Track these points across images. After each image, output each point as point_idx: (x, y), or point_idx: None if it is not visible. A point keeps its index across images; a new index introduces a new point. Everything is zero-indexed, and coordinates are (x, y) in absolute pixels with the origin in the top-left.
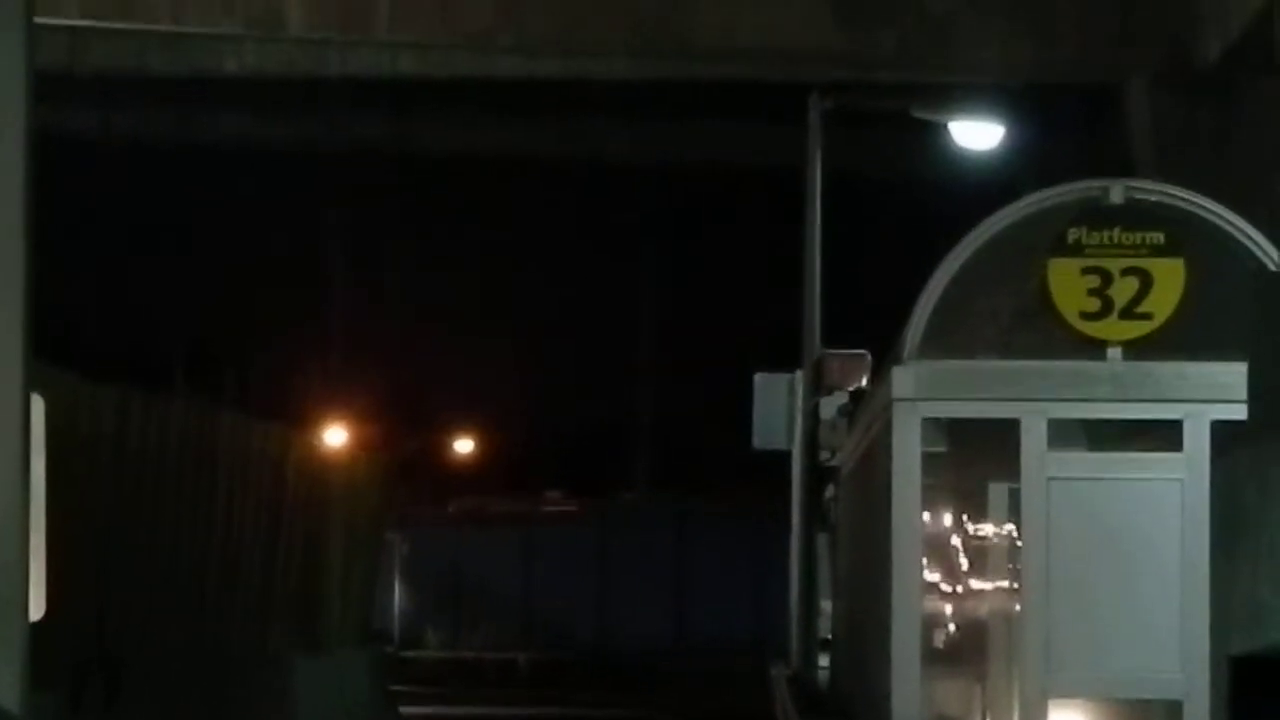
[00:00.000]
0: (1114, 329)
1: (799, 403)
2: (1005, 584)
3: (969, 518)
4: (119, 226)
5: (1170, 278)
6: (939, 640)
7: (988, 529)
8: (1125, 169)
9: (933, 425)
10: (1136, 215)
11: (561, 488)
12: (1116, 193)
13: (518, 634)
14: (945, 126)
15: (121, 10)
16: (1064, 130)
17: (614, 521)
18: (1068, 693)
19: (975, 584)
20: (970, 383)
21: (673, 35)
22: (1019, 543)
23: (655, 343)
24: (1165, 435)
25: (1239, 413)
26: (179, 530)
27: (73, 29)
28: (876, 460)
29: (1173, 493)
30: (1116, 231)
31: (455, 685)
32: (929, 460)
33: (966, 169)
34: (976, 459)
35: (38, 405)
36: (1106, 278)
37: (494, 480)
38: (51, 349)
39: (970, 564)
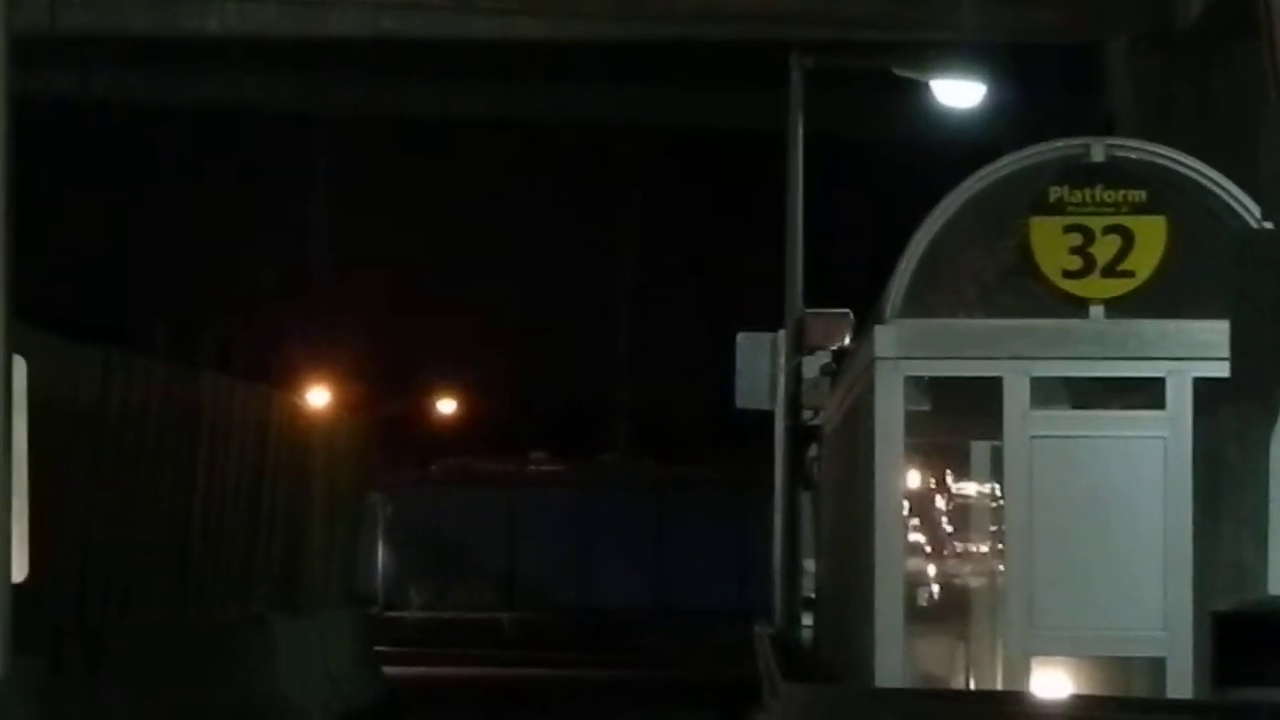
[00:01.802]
0: (1096, 287)
1: (781, 362)
2: (988, 543)
3: (952, 476)
4: (98, 189)
5: (1152, 235)
6: (922, 599)
7: (971, 488)
8: (1106, 128)
9: (915, 384)
10: (1118, 173)
11: (545, 449)
12: (1098, 151)
13: (501, 595)
14: (926, 85)
15: None
16: (1046, 90)
17: (598, 483)
18: (1051, 651)
19: (958, 543)
20: (952, 341)
21: None
22: (1002, 501)
23: (638, 304)
24: (1148, 393)
25: (1221, 370)
26: (161, 491)
27: None
28: (859, 419)
29: (1155, 451)
30: (1098, 190)
31: (438, 646)
32: (911, 419)
33: (948, 128)
34: (959, 417)
35: (19, 366)
36: (1088, 236)
37: (477, 441)
38: (31, 313)
39: (953, 523)
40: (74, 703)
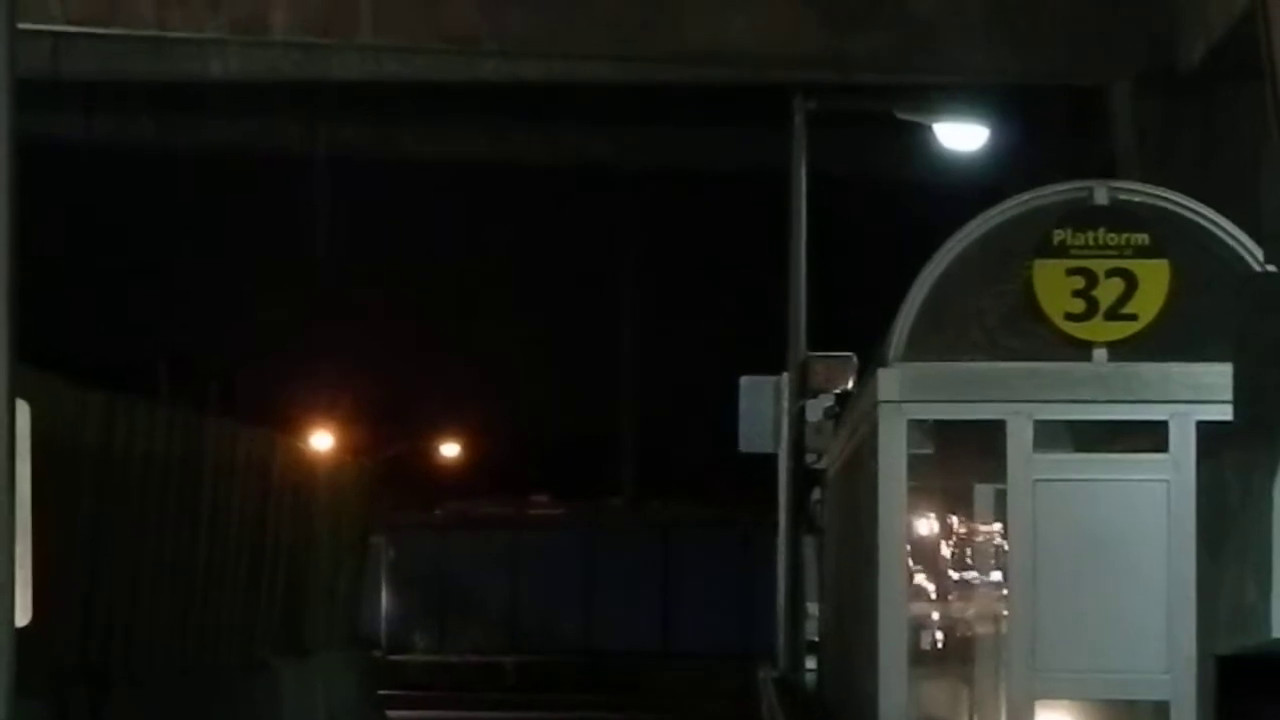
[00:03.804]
0: (1099, 330)
1: (785, 405)
2: (991, 585)
3: (955, 519)
4: (101, 232)
5: (1155, 279)
6: (926, 642)
7: (974, 531)
8: (1109, 170)
9: (918, 427)
10: (1121, 216)
11: (548, 491)
12: (1101, 194)
13: (504, 638)
14: (930, 128)
15: (105, 15)
16: (1048, 132)
17: (601, 525)
18: (1054, 694)
19: (961, 586)
20: (956, 384)
21: (656, 39)
22: (1005, 544)
23: (640, 346)
24: (1151, 436)
25: (1224, 413)
26: (165, 535)
27: (56, 34)
28: (862, 462)
29: (1158, 494)
30: (1101, 232)
31: (442, 689)
32: (915, 462)
33: (951, 171)
34: (962, 461)
35: (23, 411)
36: (1091, 279)
37: (480, 484)
38: (36, 355)
39: (956, 566)
40: None
